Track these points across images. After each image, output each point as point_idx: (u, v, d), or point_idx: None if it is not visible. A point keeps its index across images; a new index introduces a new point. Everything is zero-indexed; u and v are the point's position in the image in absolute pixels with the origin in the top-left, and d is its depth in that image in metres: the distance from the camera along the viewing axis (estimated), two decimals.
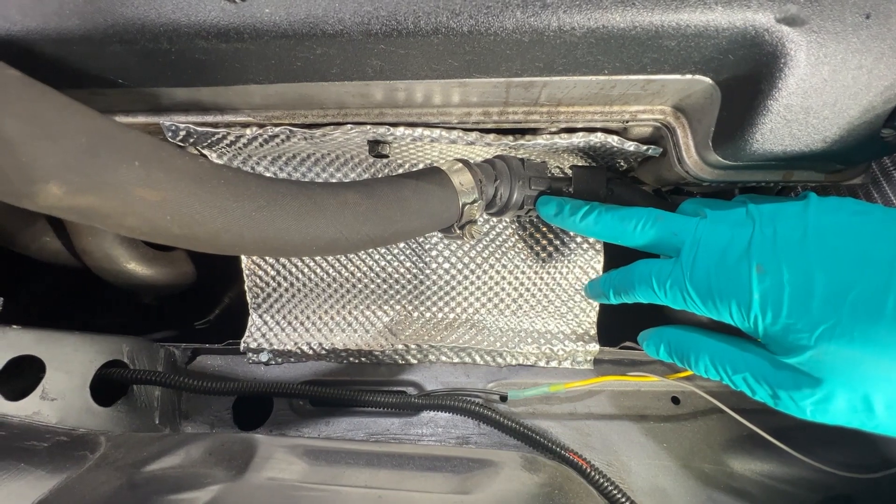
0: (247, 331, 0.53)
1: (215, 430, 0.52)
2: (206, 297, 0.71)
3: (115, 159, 0.21)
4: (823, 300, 0.25)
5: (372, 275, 0.53)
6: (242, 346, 0.53)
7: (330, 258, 0.53)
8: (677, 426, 0.50)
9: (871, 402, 0.24)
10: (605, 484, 0.40)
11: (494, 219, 0.52)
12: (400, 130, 0.39)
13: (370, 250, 0.53)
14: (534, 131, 0.41)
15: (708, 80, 0.31)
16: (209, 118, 0.39)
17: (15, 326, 0.40)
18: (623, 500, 0.40)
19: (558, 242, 0.52)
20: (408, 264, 0.53)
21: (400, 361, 0.53)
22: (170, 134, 0.39)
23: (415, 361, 0.53)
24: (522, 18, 0.26)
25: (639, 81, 0.32)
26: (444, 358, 0.53)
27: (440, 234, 0.52)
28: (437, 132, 0.40)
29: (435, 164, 0.41)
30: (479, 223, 0.40)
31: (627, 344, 0.52)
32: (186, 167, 0.24)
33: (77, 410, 0.42)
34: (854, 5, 0.25)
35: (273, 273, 0.53)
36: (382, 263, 0.53)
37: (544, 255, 0.52)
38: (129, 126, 0.39)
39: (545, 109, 0.38)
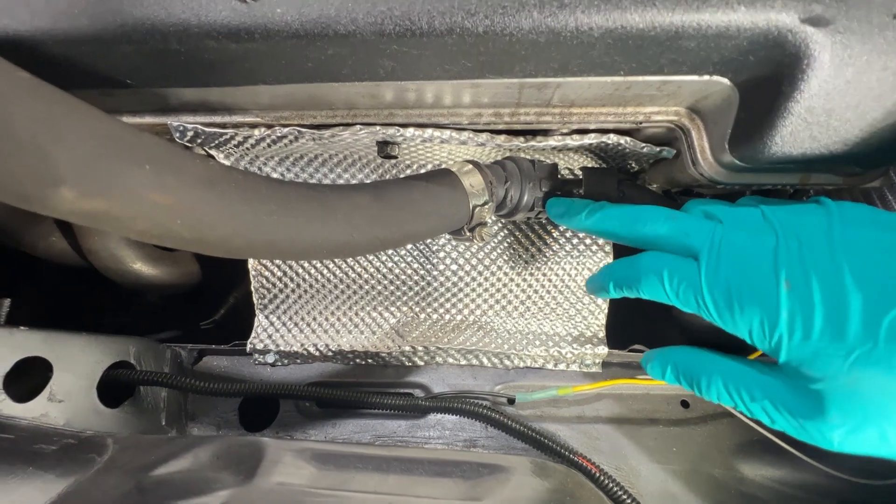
0: (253, 332, 0.53)
1: (221, 432, 0.52)
2: (212, 296, 0.71)
3: (126, 163, 0.21)
4: (859, 321, 0.23)
5: (379, 276, 0.53)
6: (249, 347, 0.52)
7: (337, 259, 0.53)
8: (687, 430, 0.50)
9: None
10: (616, 489, 0.40)
11: (504, 220, 0.51)
12: (410, 131, 0.39)
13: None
14: (545, 132, 0.41)
15: (726, 81, 0.30)
16: (217, 119, 0.39)
17: (22, 327, 0.40)
18: None
19: (567, 244, 0.51)
20: (415, 265, 0.53)
21: (407, 363, 0.53)
22: (177, 134, 0.39)
23: (422, 363, 0.53)
24: (539, 18, 0.25)
25: (655, 82, 0.31)
26: (451, 360, 0.52)
27: (448, 236, 0.51)
28: (447, 133, 0.39)
29: (445, 166, 0.41)
30: (488, 225, 0.40)
31: (636, 347, 0.51)
32: (197, 170, 0.24)
33: (84, 412, 0.42)
34: (881, 5, 0.25)
35: (280, 274, 0.53)
36: (389, 265, 0.53)
37: (553, 256, 0.52)
38: (136, 126, 0.39)
39: (557, 110, 0.37)
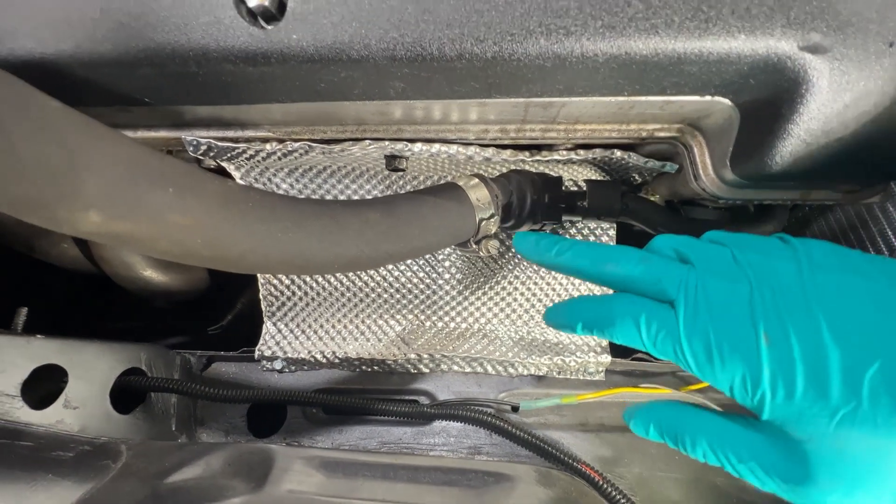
0: (261, 339, 0.54)
1: (230, 437, 0.53)
2: (219, 302, 0.72)
3: (150, 187, 0.22)
4: (840, 379, 0.22)
5: (385, 284, 0.54)
6: (257, 353, 0.53)
7: None
8: None
9: None
10: (619, 497, 0.41)
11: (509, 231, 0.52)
12: (418, 146, 0.40)
13: None
14: (550, 147, 0.42)
15: (727, 101, 0.31)
16: (230, 133, 0.40)
17: (39, 336, 0.41)
18: None
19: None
20: (421, 275, 0.53)
21: (412, 370, 0.53)
22: (191, 148, 0.40)
23: (427, 370, 0.53)
24: (546, 45, 0.26)
25: (658, 102, 0.32)
26: (456, 367, 0.53)
27: (455, 246, 0.52)
28: (454, 148, 0.40)
29: (451, 179, 0.42)
30: (495, 238, 0.41)
31: (639, 355, 0.52)
32: (216, 192, 0.25)
33: (98, 418, 0.43)
34: (877, 34, 0.25)
35: (287, 282, 0.54)
36: (395, 273, 0.54)
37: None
38: (151, 140, 0.40)
39: (562, 127, 0.38)
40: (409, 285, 0.54)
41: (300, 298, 0.54)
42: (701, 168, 0.37)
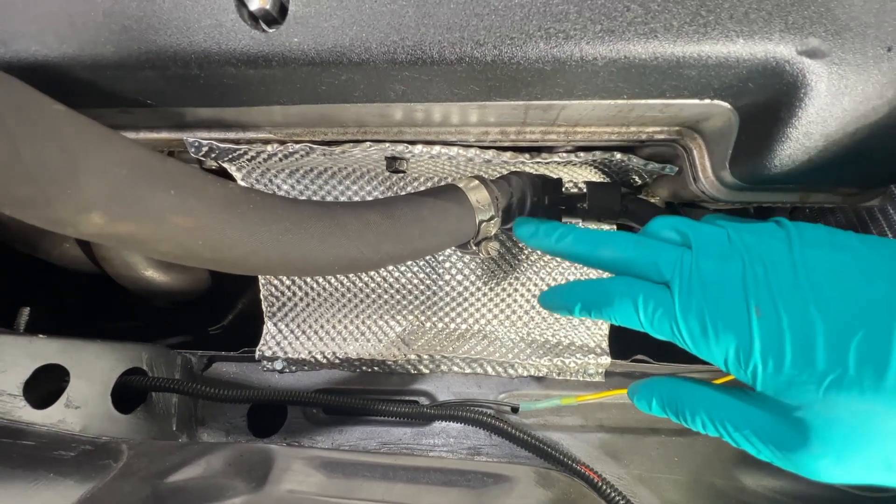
0: (262, 339, 0.54)
1: (230, 437, 0.53)
2: (220, 303, 0.72)
3: (153, 189, 0.22)
4: (827, 348, 0.23)
5: (385, 285, 0.54)
6: (257, 353, 0.53)
7: None
8: (689, 440, 0.50)
9: (889, 458, 0.22)
10: (618, 498, 0.41)
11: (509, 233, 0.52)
12: (418, 148, 0.40)
13: None
14: (550, 149, 0.42)
15: (727, 105, 0.31)
16: (231, 135, 0.40)
17: (41, 336, 0.41)
18: None
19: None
20: (421, 275, 0.54)
21: (412, 371, 0.54)
22: (192, 149, 0.40)
23: (427, 371, 0.53)
24: (545, 49, 0.26)
25: (657, 105, 0.32)
26: (456, 368, 0.53)
27: (455, 247, 0.52)
28: (454, 150, 0.40)
29: (452, 181, 0.42)
30: (495, 240, 0.41)
31: (639, 357, 0.52)
32: (218, 193, 0.25)
33: (99, 418, 0.43)
34: (876, 38, 0.25)
35: (288, 283, 0.54)
36: (396, 274, 0.54)
37: (557, 267, 0.53)
38: (153, 141, 0.40)
39: (562, 129, 0.38)
40: (410, 286, 0.54)
41: (301, 299, 0.55)
42: (700, 170, 0.37)
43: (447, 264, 0.53)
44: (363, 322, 0.55)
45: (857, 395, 0.22)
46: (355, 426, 0.52)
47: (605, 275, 0.33)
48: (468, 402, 0.52)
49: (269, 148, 0.41)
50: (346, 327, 0.55)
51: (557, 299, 0.34)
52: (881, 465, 0.23)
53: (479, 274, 0.53)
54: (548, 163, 0.42)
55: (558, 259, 0.53)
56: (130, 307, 0.73)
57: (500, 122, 0.38)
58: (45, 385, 0.41)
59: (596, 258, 0.32)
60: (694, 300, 0.27)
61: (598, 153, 0.41)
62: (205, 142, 0.40)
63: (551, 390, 0.52)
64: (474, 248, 0.41)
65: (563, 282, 0.53)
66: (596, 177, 0.49)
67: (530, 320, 0.54)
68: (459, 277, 0.53)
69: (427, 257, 0.53)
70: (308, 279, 0.54)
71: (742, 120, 0.32)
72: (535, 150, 0.42)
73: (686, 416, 0.28)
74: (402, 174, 0.48)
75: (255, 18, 0.28)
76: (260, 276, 0.54)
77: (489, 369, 0.53)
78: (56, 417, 0.40)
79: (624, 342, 0.54)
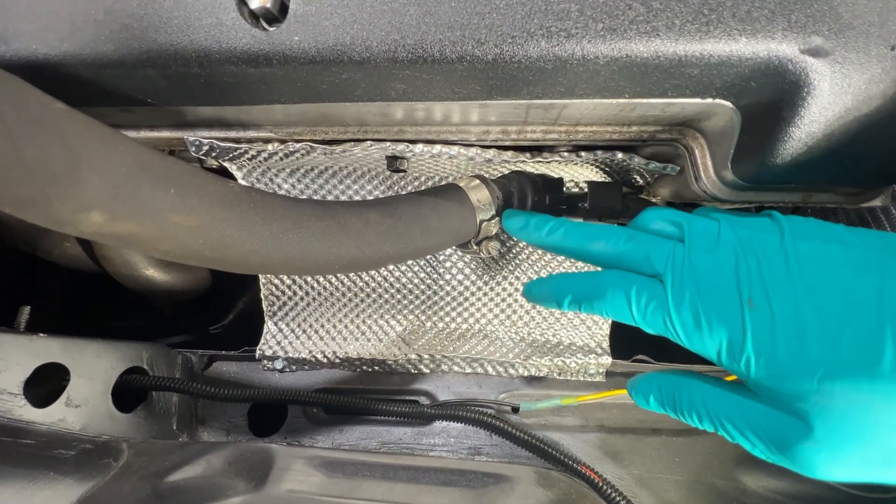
0: (262, 338, 0.54)
1: (231, 436, 0.53)
2: (221, 301, 0.72)
3: (153, 187, 0.22)
4: (820, 339, 0.23)
5: (386, 285, 0.54)
6: (258, 353, 0.53)
7: None
8: (690, 440, 0.50)
9: (888, 451, 0.22)
10: (618, 498, 0.41)
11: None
12: (419, 147, 0.40)
13: None
14: (551, 148, 0.42)
15: (728, 104, 0.31)
16: (232, 134, 0.40)
17: (41, 334, 0.41)
18: None
19: (577, 260, 0.52)
20: (422, 275, 0.54)
21: (413, 371, 0.53)
22: (193, 148, 0.40)
23: (427, 371, 0.53)
24: (547, 48, 0.26)
25: (659, 104, 0.32)
26: (456, 368, 0.53)
27: (456, 247, 0.52)
28: (455, 149, 0.40)
29: (452, 180, 0.42)
30: (496, 239, 0.41)
31: (640, 357, 0.52)
32: (219, 192, 0.25)
33: (100, 417, 0.43)
34: (879, 37, 0.25)
35: (289, 282, 0.54)
36: (397, 274, 0.54)
37: (557, 268, 0.53)
38: (154, 140, 0.40)
39: (563, 129, 0.38)
40: (410, 286, 0.54)
41: (301, 298, 0.55)
42: (702, 170, 0.37)
43: (448, 264, 0.53)
44: (364, 321, 0.55)
45: (852, 386, 0.22)
46: (356, 426, 0.52)
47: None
48: (469, 401, 0.52)
49: (269, 147, 0.41)
50: (346, 327, 0.55)
51: (545, 291, 0.33)
52: (880, 458, 0.22)
53: (480, 273, 0.53)
54: (549, 162, 0.42)
55: (560, 258, 0.53)
56: (131, 306, 0.73)
57: (501, 122, 0.38)
58: (46, 384, 0.41)
59: (587, 252, 0.32)
60: (687, 293, 0.26)
61: (599, 153, 0.40)
62: (205, 141, 0.40)
63: (552, 390, 0.52)
64: (475, 247, 0.41)
65: None
66: (597, 176, 0.48)
67: (531, 320, 0.54)
68: (460, 277, 0.53)
69: (428, 257, 0.53)
70: (309, 278, 0.54)
71: (744, 119, 0.31)
72: (536, 150, 0.42)
73: (683, 411, 0.28)
74: (402, 173, 0.48)
75: (255, 17, 0.28)
76: (260, 276, 0.54)
77: (490, 369, 0.53)
78: (56, 416, 0.40)
79: (625, 342, 0.54)
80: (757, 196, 0.37)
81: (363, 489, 0.35)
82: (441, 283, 0.53)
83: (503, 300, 0.54)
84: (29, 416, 0.38)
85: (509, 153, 0.41)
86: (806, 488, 0.47)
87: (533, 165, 0.45)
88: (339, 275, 0.54)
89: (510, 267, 0.53)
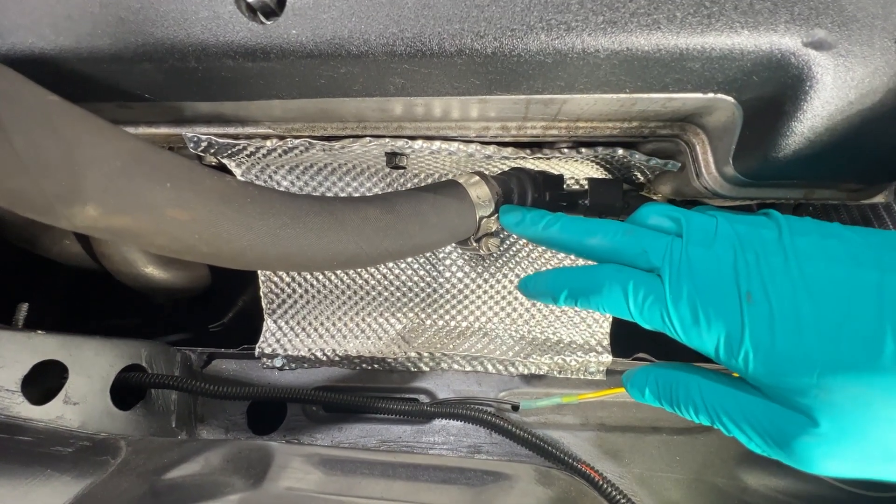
0: (261, 336, 0.54)
1: (230, 434, 0.53)
2: (221, 299, 0.72)
3: (148, 181, 0.22)
4: (819, 333, 0.23)
5: (386, 283, 0.54)
6: (257, 351, 0.53)
7: None
8: (691, 438, 0.50)
9: (888, 446, 0.22)
10: (619, 497, 0.40)
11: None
12: (418, 144, 0.39)
13: None
14: (551, 144, 0.42)
15: (730, 99, 0.31)
16: (230, 130, 0.40)
17: (40, 332, 0.41)
18: None
19: (574, 254, 0.52)
20: (421, 273, 0.53)
21: (412, 369, 0.53)
22: (191, 144, 0.40)
23: (427, 369, 0.53)
24: (547, 41, 0.26)
25: (660, 99, 0.32)
26: (456, 366, 0.53)
27: (455, 244, 0.52)
28: (454, 146, 0.40)
29: (452, 177, 0.42)
30: (496, 236, 0.40)
31: (640, 355, 0.52)
32: (215, 187, 0.25)
33: (98, 414, 0.43)
34: (883, 30, 0.25)
35: (288, 280, 0.54)
36: (396, 272, 0.53)
37: (558, 266, 0.53)
38: (152, 136, 0.40)
39: (564, 124, 0.38)
40: (410, 283, 0.54)
41: (301, 296, 0.54)
42: (703, 166, 0.37)
43: (447, 261, 0.53)
44: (363, 319, 0.55)
45: (852, 380, 0.22)
46: (355, 424, 0.52)
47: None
48: (468, 399, 0.52)
49: (268, 143, 0.41)
50: (346, 324, 0.55)
51: (541, 286, 0.33)
52: (879, 454, 0.22)
53: (480, 271, 0.53)
54: (549, 158, 0.42)
55: (560, 256, 0.52)
56: (130, 304, 0.73)
57: (500, 117, 0.37)
58: (44, 381, 0.41)
59: (583, 246, 0.31)
60: (685, 287, 0.26)
61: (600, 149, 0.40)
62: (204, 137, 0.40)
63: (552, 388, 0.52)
64: (475, 244, 0.40)
65: None
66: (598, 173, 0.48)
67: (531, 318, 0.54)
68: (460, 275, 0.53)
69: (427, 254, 0.53)
70: (308, 276, 0.54)
71: (746, 114, 0.31)
72: (536, 146, 0.42)
73: (680, 404, 0.27)
74: (402, 170, 0.48)
75: (252, 10, 0.27)
76: (259, 273, 0.54)
77: (489, 367, 0.53)
78: (54, 413, 0.40)
79: (625, 340, 0.54)
80: (759, 192, 0.37)
81: (362, 487, 0.35)
82: (441, 280, 0.53)
83: (503, 298, 0.54)
84: (27, 413, 0.38)
85: (509, 149, 0.41)
86: (807, 487, 0.47)
87: (533, 162, 0.45)
88: (338, 272, 0.54)
89: (510, 265, 0.53)
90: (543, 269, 0.53)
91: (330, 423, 0.53)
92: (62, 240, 0.60)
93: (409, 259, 0.53)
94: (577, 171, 0.49)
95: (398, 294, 0.54)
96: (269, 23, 0.27)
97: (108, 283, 0.60)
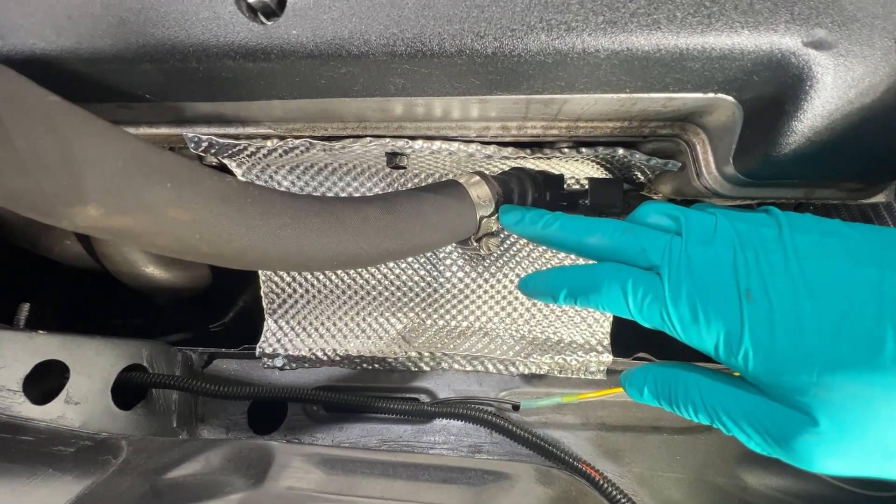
0: (262, 336, 0.54)
1: (231, 434, 0.53)
2: (221, 299, 0.72)
3: (149, 181, 0.22)
4: (819, 331, 0.23)
5: (386, 282, 0.54)
6: (258, 350, 0.53)
7: None
8: (691, 438, 0.50)
9: (888, 445, 0.22)
10: (619, 497, 0.40)
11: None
12: (419, 144, 0.39)
13: None
14: (552, 144, 0.42)
15: (731, 99, 0.31)
16: (231, 130, 0.40)
17: (41, 332, 0.41)
18: None
19: (573, 253, 0.52)
20: (422, 272, 0.53)
21: (413, 368, 0.53)
22: (192, 145, 0.40)
23: (427, 369, 0.53)
24: (547, 41, 0.26)
25: (660, 99, 0.32)
26: (456, 366, 0.53)
27: (456, 244, 0.52)
28: (455, 146, 0.40)
29: (452, 177, 0.42)
30: (496, 236, 0.40)
31: (641, 355, 0.52)
32: (215, 187, 0.25)
33: (99, 414, 0.43)
34: (883, 29, 0.25)
35: (288, 280, 0.54)
36: (397, 271, 0.54)
37: (558, 265, 0.53)
38: (153, 137, 0.40)
39: (564, 124, 0.38)
40: (411, 283, 0.54)
41: (301, 296, 0.54)
42: (704, 166, 0.37)
43: (448, 261, 0.53)
44: (364, 319, 0.55)
45: (853, 378, 0.22)
46: (356, 423, 0.52)
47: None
48: (469, 399, 0.52)
49: (268, 143, 0.41)
50: (346, 324, 0.55)
51: (541, 285, 0.33)
52: (879, 452, 0.22)
53: (480, 271, 0.53)
54: (549, 158, 0.42)
55: (561, 255, 0.52)
56: (132, 304, 0.73)
57: (501, 117, 0.37)
58: (45, 381, 0.41)
59: (583, 245, 0.31)
60: (684, 286, 0.26)
61: (600, 149, 0.40)
62: (204, 137, 0.40)
63: (552, 388, 0.52)
64: (475, 244, 0.40)
65: None
66: (598, 173, 0.48)
67: (531, 318, 0.54)
68: (460, 274, 0.53)
69: (428, 254, 0.53)
70: (309, 276, 0.54)
71: (746, 114, 0.31)
72: (536, 146, 0.42)
73: (679, 402, 0.27)
74: (402, 170, 0.48)
75: (253, 11, 0.27)
76: (260, 273, 0.54)
77: (490, 367, 0.53)
78: (56, 413, 0.40)
79: (626, 340, 0.54)
80: (759, 192, 0.37)
81: (362, 486, 0.35)
82: (441, 280, 0.53)
83: (503, 297, 0.54)
84: (28, 412, 0.38)
85: (509, 149, 0.41)
86: (807, 486, 0.47)
87: (533, 162, 0.45)
88: (338, 272, 0.54)
89: (511, 264, 0.53)
90: (544, 268, 0.53)
91: (331, 423, 0.53)
92: (63, 240, 0.60)
93: (410, 259, 0.53)
94: (578, 170, 0.49)
95: (399, 294, 0.54)
96: (269, 23, 0.27)
97: (109, 283, 0.61)
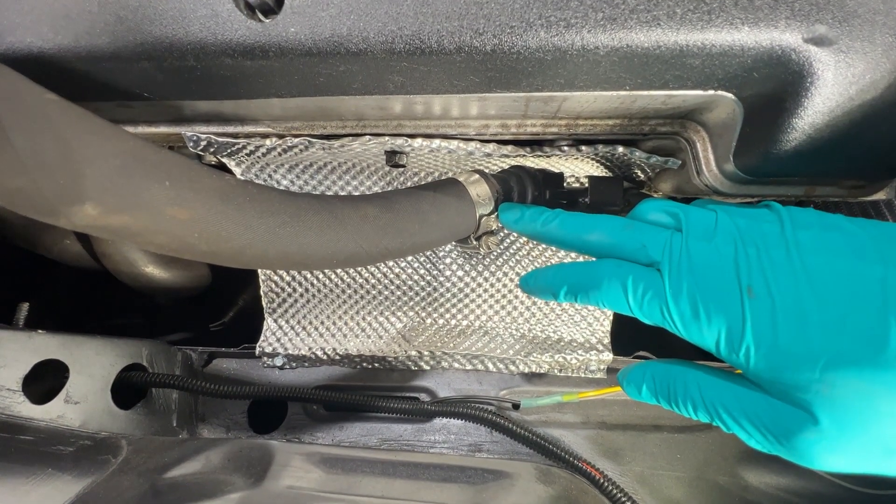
0: (262, 335, 0.54)
1: (231, 433, 0.53)
2: (221, 299, 0.72)
3: (147, 180, 0.22)
4: (822, 327, 0.23)
5: (386, 281, 0.54)
6: (257, 350, 0.53)
7: None
8: (692, 436, 0.50)
9: (889, 442, 0.21)
10: (620, 495, 0.40)
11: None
12: (418, 142, 0.39)
13: None
14: (551, 142, 0.41)
15: (731, 96, 0.30)
16: (230, 129, 0.40)
17: (41, 331, 0.41)
18: None
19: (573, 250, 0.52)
20: (422, 271, 0.53)
21: (413, 367, 0.53)
22: (191, 144, 0.40)
23: (427, 368, 0.53)
24: (546, 38, 0.26)
25: (660, 96, 0.32)
26: (456, 365, 0.53)
27: (455, 243, 0.52)
28: (454, 144, 0.40)
29: (452, 175, 0.42)
30: (496, 234, 0.40)
31: (641, 353, 0.52)
32: (214, 185, 0.25)
33: (99, 413, 0.43)
34: (884, 25, 0.25)
35: (288, 279, 0.54)
36: (396, 270, 0.53)
37: (557, 263, 0.52)
38: (151, 136, 0.40)
39: (563, 122, 0.37)
40: (410, 282, 0.53)
41: (301, 295, 0.54)
42: (704, 163, 0.37)
43: (448, 260, 0.53)
44: (363, 318, 0.55)
45: (855, 375, 0.22)
46: (356, 423, 0.52)
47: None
48: (469, 398, 0.52)
49: (267, 142, 0.40)
50: (346, 323, 0.55)
51: (541, 282, 0.33)
52: (880, 449, 0.22)
53: (480, 270, 0.53)
54: (549, 156, 0.42)
55: (561, 254, 0.52)
56: (131, 303, 0.73)
57: (500, 115, 0.37)
58: (45, 380, 0.41)
59: (583, 242, 0.31)
60: (685, 282, 0.26)
61: (600, 147, 0.40)
62: (203, 136, 0.39)
63: (553, 387, 0.52)
64: (475, 242, 0.40)
65: None
66: (598, 171, 0.48)
67: (531, 316, 0.54)
68: (460, 273, 0.53)
69: (427, 253, 0.53)
70: (308, 275, 0.54)
71: (746, 111, 0.31)
72: (536, 144, 0.42)
73: (678, 400, 0.27)
74: (402, 169, 0.48)
75: (251, 8, 0.27)
76: (260, 272, 0.54)
77: (490, 366, 0.53)
78: (55, 413, 0.40)
79: (626, 339, 0.54)
80: (759, 189, 0.37)
81: (363, 485, 0.35)
82: (441, 279, 0.53)
83: (503, 296, 0.54)
84: (28, 412, 0.38)
85: (509, 147, 0.41)
86: (808, 485, 0.47)
87: (533, 160, 0.44)
88: (338, 271, 0.54)
89: (510, 263, 0.53)
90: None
91: (331, 422, 0.53)
92: (63, 239, 0.60)
93: (409, 258, 0.53)
94: (578, 168, 0.49)
95: (398, 293, 0.54)
96: (267, 21, 0.27)
97: (108, 282, 0.60)
